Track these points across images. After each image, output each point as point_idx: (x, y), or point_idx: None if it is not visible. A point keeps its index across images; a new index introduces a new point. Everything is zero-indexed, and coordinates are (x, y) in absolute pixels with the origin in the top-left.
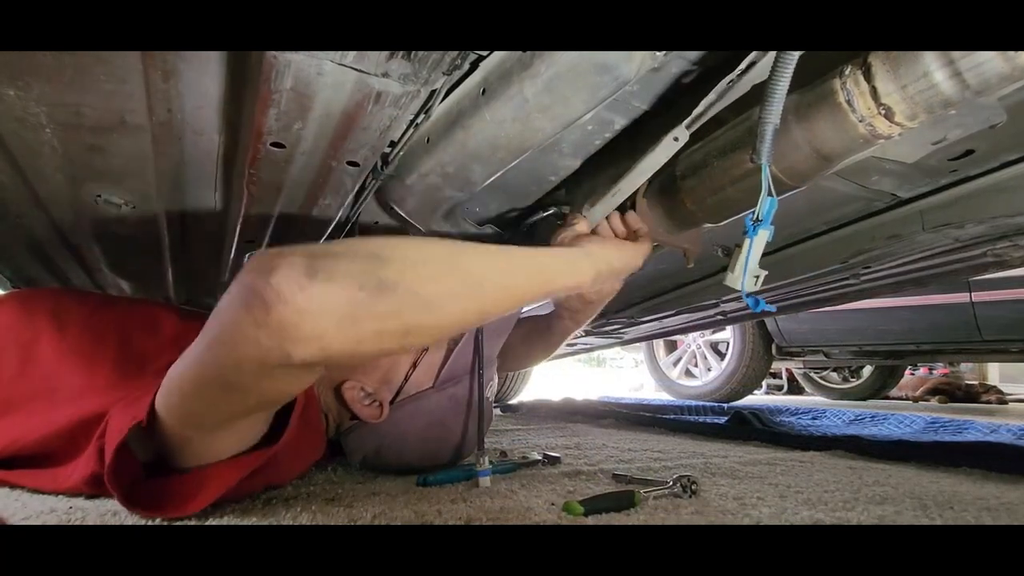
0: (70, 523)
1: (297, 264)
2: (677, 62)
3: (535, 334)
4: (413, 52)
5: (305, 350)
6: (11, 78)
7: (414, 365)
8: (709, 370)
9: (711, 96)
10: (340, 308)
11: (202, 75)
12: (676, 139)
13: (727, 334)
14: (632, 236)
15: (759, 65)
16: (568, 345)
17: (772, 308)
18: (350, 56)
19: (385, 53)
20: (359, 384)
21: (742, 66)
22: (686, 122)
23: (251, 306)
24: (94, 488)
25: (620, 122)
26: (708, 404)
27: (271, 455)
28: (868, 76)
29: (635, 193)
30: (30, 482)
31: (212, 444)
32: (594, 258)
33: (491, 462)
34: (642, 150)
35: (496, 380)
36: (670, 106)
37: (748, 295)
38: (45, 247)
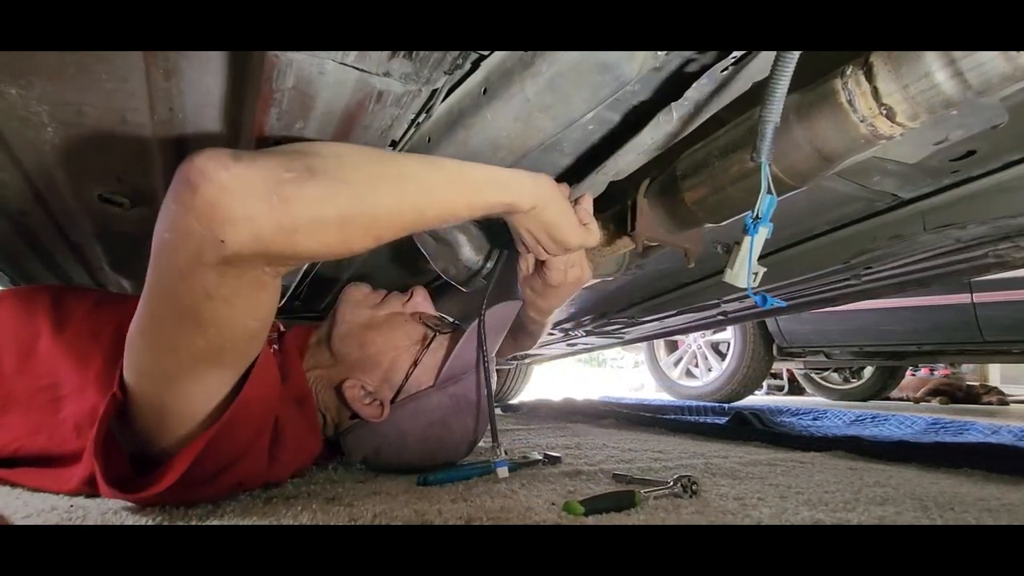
0: (71, 522)
1: (222, 151)
2: (678, 61)
3: (519, 325)
4: (414, 52)
5: (237, 233)
6: (13, 77)
7: (415, 364)
8: (710, 370)
9: (704, 80)
10: (267, 186)
11: (204, 74)
12: (662, 120)
13: (728, 334)
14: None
15: (758, 61)
16: (569, 345)
17: (781, 303)
18: (351, 55)
19: (386, 53)
20: (360, 383)
21: (736, 54)
22: (675, 104)
23: (179, 193)
24: (94, 488)
25: (620, 121)
26: (709, 404)
27: (236, 411)
28: (869, 76)
29: (636, 193)
30: (32, 481)
31: (180, 400)
32: (541, 189)
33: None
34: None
35: (496, 377)
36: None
37: (755, 292)
38: (46, 245)
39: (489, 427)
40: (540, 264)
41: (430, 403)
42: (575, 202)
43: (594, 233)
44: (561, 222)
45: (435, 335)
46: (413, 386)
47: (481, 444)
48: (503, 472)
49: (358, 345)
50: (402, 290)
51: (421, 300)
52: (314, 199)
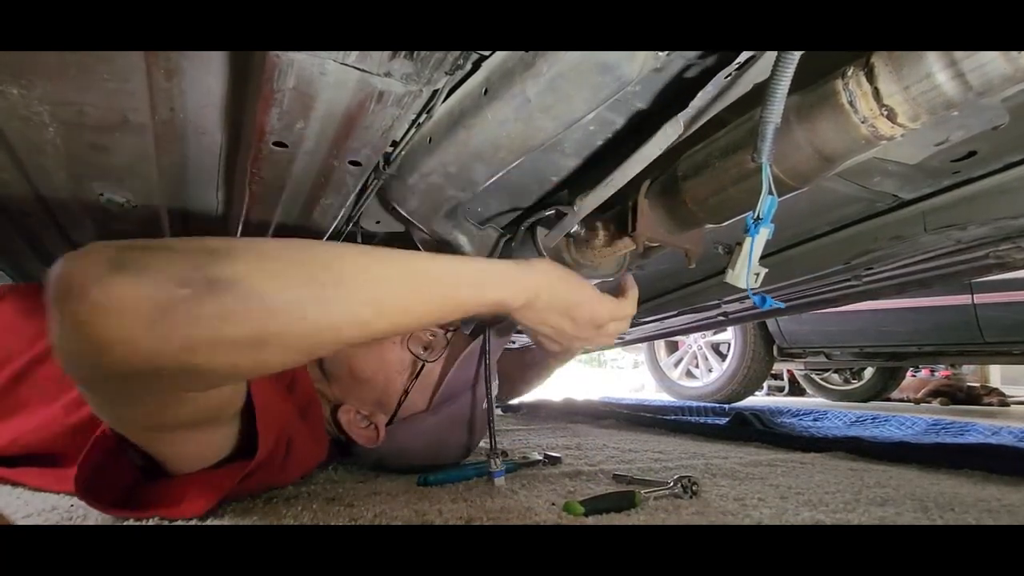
0: (71, 521)
1: (104, 254)
2: (678, 61)
3: (530, 367)
4: (415, 52)
5: (116, 356)
6: (14, 76)
7: (406, 392)
8: (710, 371)
9: (709, 88)
10: (150, 306)
11: (205, 74)
12: (669, 131)
13: (728, 335)
14: (620, 294)
15: (760, 63)
16: None
17: (780, 304)
18: (352, 56)
19: (387, 53)
20: (354, 409)
21: (740, 59)
22: (681, 114)
23: (50, 301)
24: None
25: (621, 122)
26: (709, 405)
27: (251, 469)
28: (870, 77)
29: (636, 194)
30: (35, 481)
31: (172, 452)
32: (532, 277)
33: (504, 462)
34: (638, 143)
35: (496, 384)
36: (672, 105)
37: (754, 292)
38: (47, 245)
39: (488, 438)
40: None
41: (426, 425)
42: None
43: (630, 302)
44: (580, 299)
45: (423, 365)
46: (407, 410)
47: (482, 444)
48: (500, 482)
49: (348, 369)
50: None
51: None
52: (216, 319)
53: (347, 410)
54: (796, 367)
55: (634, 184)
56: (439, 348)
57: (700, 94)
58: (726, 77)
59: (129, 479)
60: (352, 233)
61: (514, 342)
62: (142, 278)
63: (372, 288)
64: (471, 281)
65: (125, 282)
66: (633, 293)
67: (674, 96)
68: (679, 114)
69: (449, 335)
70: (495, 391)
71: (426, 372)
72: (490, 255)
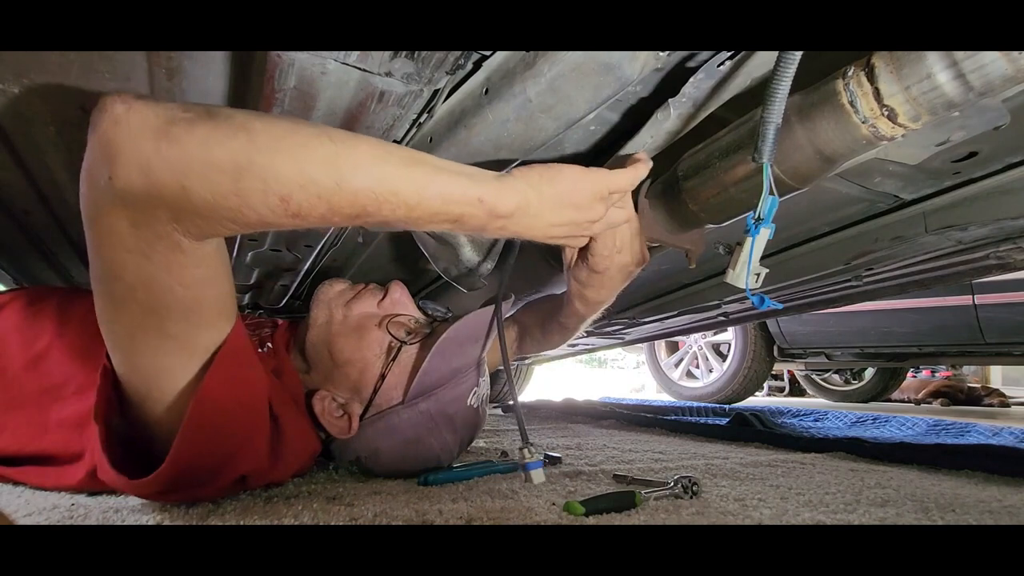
0: (72, 520)
1: (130, 92)
2: (677, 59)
3: (551, 317)
4: (416, 52)
5: (123, 169)
6: (17, 75)
7: (382, 376)
8: (711, 371)
9: (700, 75)
10: (159, 122)
11: (207, 73)
12: (660, 118)
13: (729, 335)
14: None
15: (756, 57)
16: (570, 346)
17: (778, 305)
18: (354, 56)
19: (388, 52)
20: (330, 395)
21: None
22: (672, 100)
23: (89, 131)
24: (97, 484)
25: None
26: (709, 405)
27: (200, 402)
28: (871, 77)
29: (637, 194)
30: (35, 479)
31: (147, 381)
32: (517, 180)
33: (505, 462)
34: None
35: (487, 380)
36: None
37: (753, 293)
38: (49, 244)
39: (519, 430)
40: (584, 249)
41: (399, 421)
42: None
43: (643, 162)
44: (576, 185)
45: (401, 346)
46: (383, 399)
47: (482, 444)
48: (539, 475)
49: (328, 353)
50: (382, 285)
51: (398, 297)
52: (204, 139)
53: (322, 396)
54: (797, 368)
55: None
56: (419, 334)
57: (691, 80)
58: (718, 66)
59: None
60: (353, 232)
61: (511, 296)
62: (156, 103)
63: (356, 149)
64: (459, 171)
65: (142, 102)
66: (640, 163)
67: (671, 91)
68: (670, 100)
69: (435, 324)
70: (487, 387)
71: (404, 357)
72: (490, 256)
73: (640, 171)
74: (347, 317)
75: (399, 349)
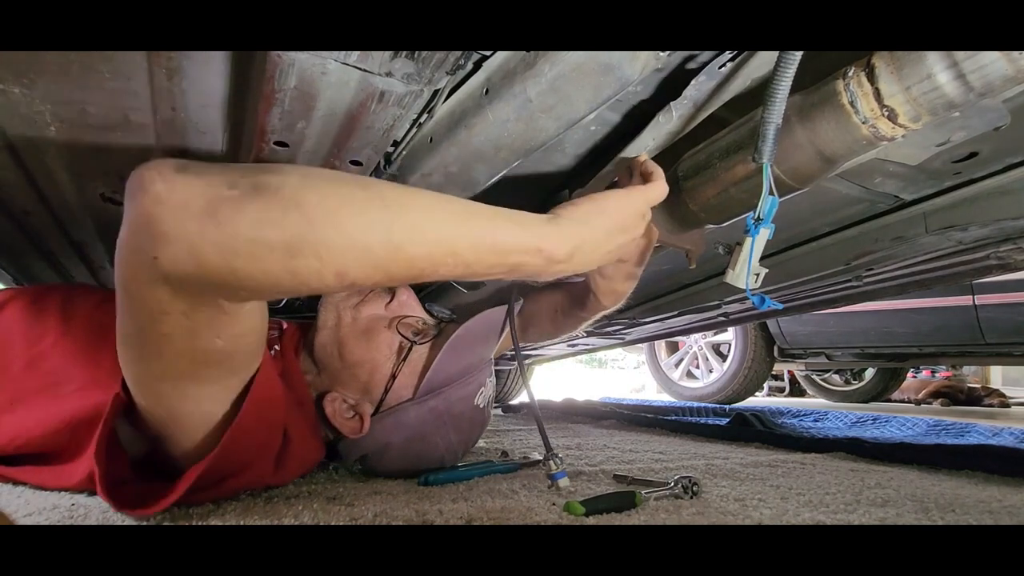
0: (72, 520)
1: (170, 161)
2: (678, 59)
3: (567, 312)
4: (417, 52)
5: (170, 252)
6: (16, 75)
7: (393, 376)
8: (711, 371)
9: (702, 77)
10: (205, 202)
11: (207, 74)
12: (661, 120)
13: (729, 335)
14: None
15: (757, 58)
16: (570, 346)
17: (779, 305)
18: (354, 56)
19: (389, 53)
20: (340, 396)
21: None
22: (674, 103)
23: (125, 204)
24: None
25: (620, 121)
26: (710, 406)
27: (234, 434)
28: (872, 77)
29: None
30: (35, 479)
31: (175, 416)
32: (568, 221)
33: (506, 463)
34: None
35: (494, 381)
36: (670, 96)
37: (753, 293)
38: (49, 244)
39: (541, 438)
40: None
41: (408, 417)
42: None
43: (659, 181)
44: (619, 215)
45: (412, 346)
46: (393, 399)
47: (482, 444)
48: (565, 483)
49: (338, 355)
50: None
51: (406, 299)
52: (255, 220)
53: (332, 398)
54: (797, 368)
55: None
56: (428, 335)
57: (693, 83)
58: (720, 68)
59: (122, 471)
60: None
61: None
62: (200, 178)
63: (410, 212)
64: (514, 221)
65: (185, 179)
66: (659, 172)
67: (673, 94)
68: (672, 103)
69: (441, 325)
70: (493, 388)
71: (415, 357)
72: None
73: (663, 181)
74: (356, 320)
75: (410, 349)
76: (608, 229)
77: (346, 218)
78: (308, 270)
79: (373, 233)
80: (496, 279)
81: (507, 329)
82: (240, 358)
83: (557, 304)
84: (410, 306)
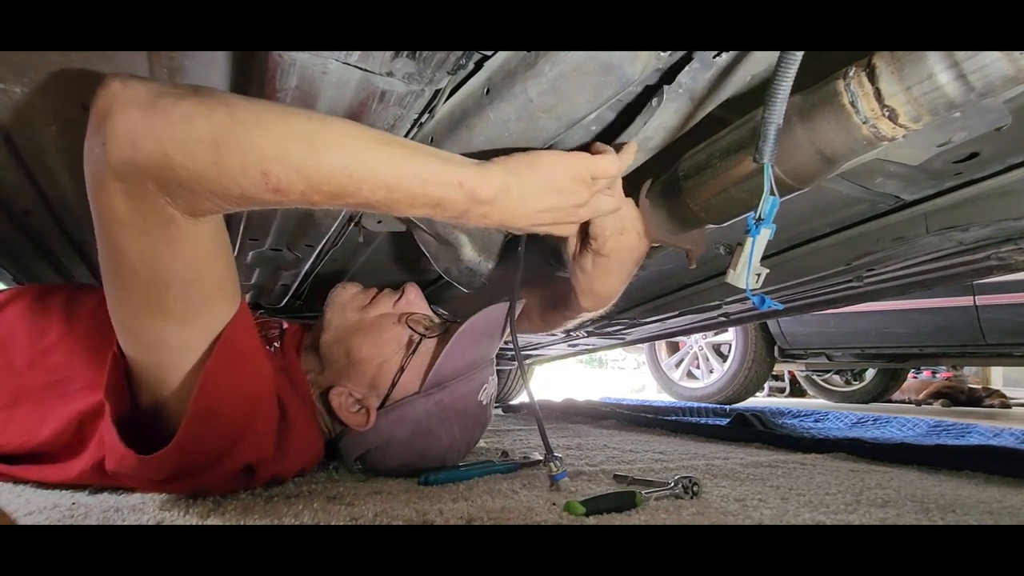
0: (73, 519)
1: (131, 75)
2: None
3: (555, 308)
4: (418, 52)
5: (114, 139)
6: (17, 75)
7: (401, 370)
8: (711, 372)
9: (695, 64)
10: (148, 96)
11: (208, 73)
12: (654, 104)
13: (729, 336)
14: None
15: (756, 58)
16: (570, 345)
17: (779, 306)
18: (355, 55)
19: (390, 53)
20: (347, 390)
21: None
22: (666, 88)
23: (92, 107)
24: (100, 477)
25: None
26: (710, 406)
27: (204, 384)
28: (872, 77)
29: (638, 194)
30: (36, 475)
31: (154, 361)
32: (495, 165)
33: (506, 462)
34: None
35: (495, 380)
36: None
37: (753, 293)
38: (50, 244)
39: (542, 441)
40: (586, 235)
41: (415, 410)
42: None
43: (627, 149)
44: (558, 171)
45: (421, 339)
46: (400, 392)
47: (483, 444)
48: (565, 484)
49: (345, 352)
50: (396, 288)
51: (413, 298)
52: (189, 112)
53: (339, 392)
54: (797, 368)
55: (634, 184)
56: (436, 331)
57: (687, 69)
58: (714, 56)
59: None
60: (354, 232)
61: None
62: (151, 81)
63: (333, 126)
64: (437, 155)
65: (137, 80)
66: (608, 149)
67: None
68: (664, 87)
69: (446, 324)
70: (495, 387)
71: (422, 351)
72: (488, 252)
73: (625, 158)
74: (363, 319)
75: (419, 343)
76: (536, 184)
77: (270, 121)
78: (232, 164)
79: (293, 138)
80: (421, 216)
81: (502, 327)
82: (203, 290)
83: (546, 299)
84: (417, 305)
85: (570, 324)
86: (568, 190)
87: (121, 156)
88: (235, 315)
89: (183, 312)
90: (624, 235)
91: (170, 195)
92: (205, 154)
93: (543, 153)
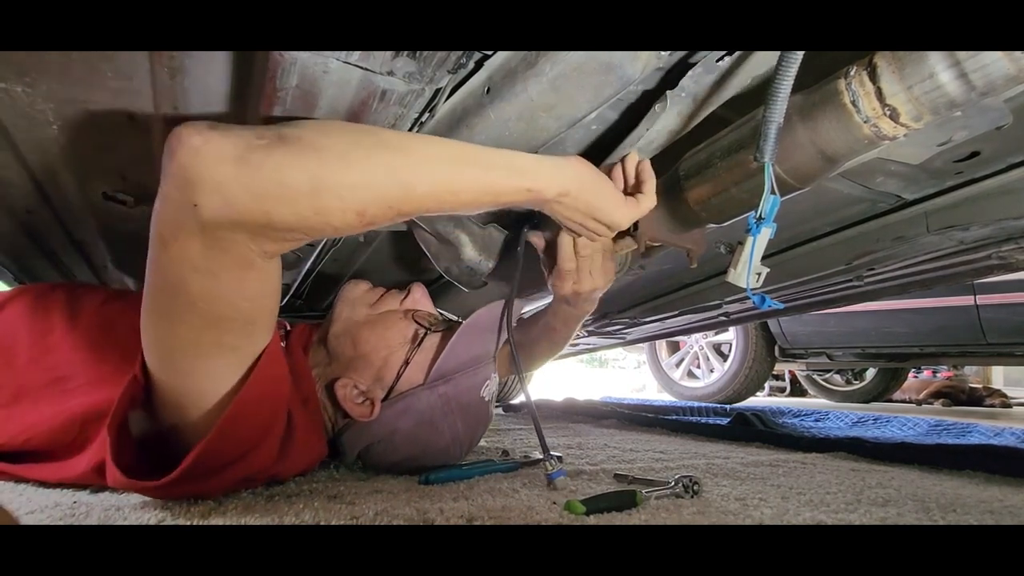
0: (74, 518)
1: (203, 121)
2: (678, 56)
3: (537, 333)
4: (418, 51)
5: (208, 198)
6: (19, 75)
7: (406, 363)
8: (712, 371)
9: (699, 68)
10: (237, 151)
11: (209, 73)
12: (657, 110)
13: (730, 335)
14: (635, 189)
15: (756, 55)
16: (571, 345)
17: (779, 305)
18: (356, 55)
19: (391, 52)
20: (352, 382)
21: None
22: (670, 92)
23: (163, 162)
24: (100, 479)
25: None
26: (710, 405)
27: (240, 405)
28: (873, 77)
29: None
30: (36, 474)
31: (190, 386)
32: (568, 173)
33: (507, 462)
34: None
35: (496, 378)
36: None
37: (754, 292)
38: (51, 243)
39: (538, 439)
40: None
41: (419, 402)
42: (632, 164)
43: (647, 198)
44: (602, 205)
45: (427, 333)
46: (404, 385)
47: (484, 444)
48: (563, 482)
49: (352, 343)
50: (402, 288)
51: (419, 297)
52: (281, 164)
53: (344, 383)
54: (798, 368)
55: None
56: (440, 326)
57: (690, 74)
58: (717, 61)
59: (130, 457)
60: None
61: (524, 314)
62: (231, 131)
63: (417, 154)
64: (508, 165)
65: (218, 133)
66: (650, 186)
67: (673, 85)
68: (667, 92)
69: (450, 323)
70: (496, 385)
71: (427, 344)
72: (488, 252)
73: (652, 195)
74: (372, 313)
75: (424, 337)
76: (588, 209)
77: (363, 161)
78: (331, 208)
79: (388, 175)
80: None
81: (499, 324)
82: (262, 323)
83: (527, 330)
84: (423, 303)
85: (557, 335)
86: (604, 230)
87: (215, 215)
88: (272, 339)
89: (240, 344)
90: (585, 278)
91: (260, 244)
92: (305, 203)
93: (616, 192)
